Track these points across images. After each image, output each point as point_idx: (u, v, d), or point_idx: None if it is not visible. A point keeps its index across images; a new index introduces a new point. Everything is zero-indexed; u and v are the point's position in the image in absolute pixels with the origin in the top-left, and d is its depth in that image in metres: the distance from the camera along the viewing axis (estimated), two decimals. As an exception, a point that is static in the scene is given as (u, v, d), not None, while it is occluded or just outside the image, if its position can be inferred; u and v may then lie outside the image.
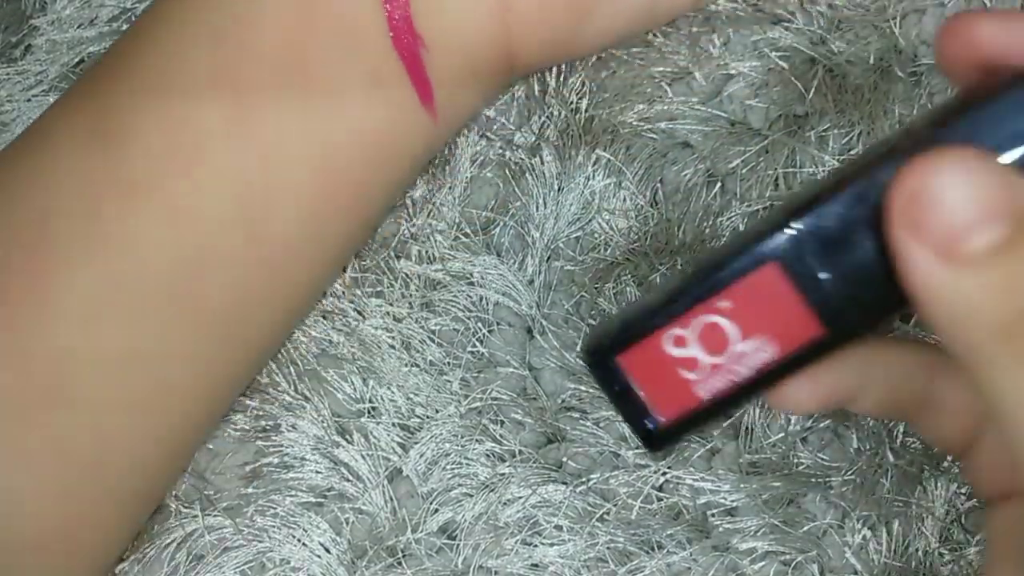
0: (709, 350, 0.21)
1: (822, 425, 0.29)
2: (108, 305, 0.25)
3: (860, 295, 0.20)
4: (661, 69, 0.31)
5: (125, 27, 0.32)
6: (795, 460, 0.29)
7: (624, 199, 0.30)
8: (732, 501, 0.29)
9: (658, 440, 0.22)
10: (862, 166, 0.19)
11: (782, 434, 0.29)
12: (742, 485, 0.29)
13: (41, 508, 0.25)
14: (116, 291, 0.25)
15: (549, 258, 0.30)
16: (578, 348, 0.21)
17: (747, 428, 0.30)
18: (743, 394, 0.21)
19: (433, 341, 0.30)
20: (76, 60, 0.32)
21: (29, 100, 0.32)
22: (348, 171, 0.26)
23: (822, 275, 0.20)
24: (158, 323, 0.25)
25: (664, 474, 0.29)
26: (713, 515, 0.29)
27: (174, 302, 0.25)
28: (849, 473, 0.29)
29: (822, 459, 0.29)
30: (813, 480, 0.29)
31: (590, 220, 0.31)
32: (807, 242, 0.19)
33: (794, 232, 0.19)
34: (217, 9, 0.25)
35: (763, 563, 0.28)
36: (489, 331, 0.30)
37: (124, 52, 0.26)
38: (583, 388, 0.30)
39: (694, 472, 0.29)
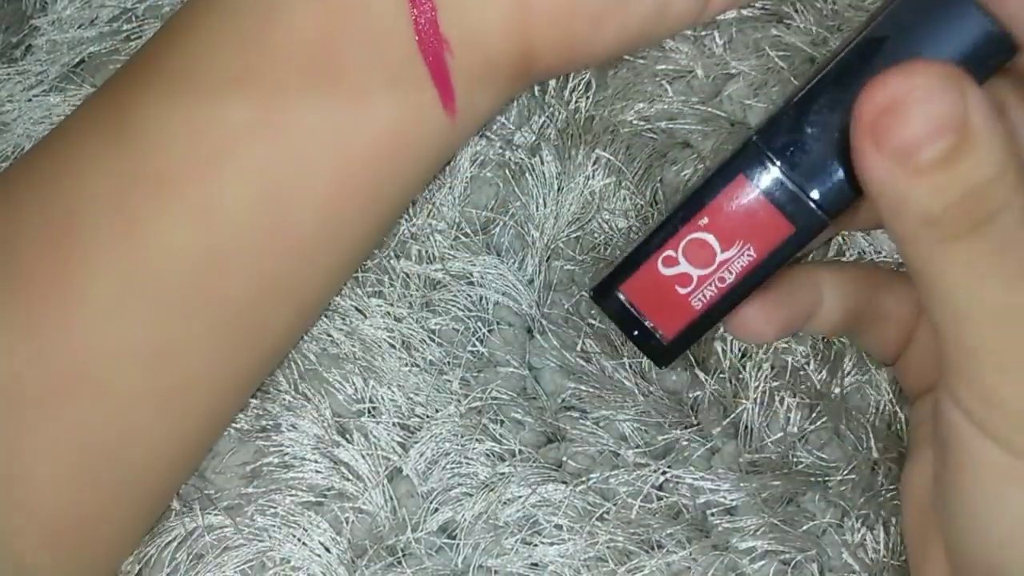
0: (697, 264, 0.23)
1: (820, 424, 0.29)
2: (133, 300, 0.25)
3: (819, 192, 0.22)
4: (663, 67, 0.31)
5: (126, 27, 0.32)
6: (794, 459, 0.29)
7: (624, 199, 0.30)
8: (732, 500, 0.29)
9: (666, 355, 0.24)
10: (814, 78, 0.22)
11: (781, 433, 0.29)
12: (742, 484, 0.29)
13: (60, 498, 0.26)
14: (141, 286, 0.25)
15: (549, 258, 0.30)
16: (586, 289, 0.24)
17: (746, 427, 0.30)
18: (732, 298, 0.24)
19: (433, 341, 0.30)
20: (77, 60, 0.32)
21: (30, 100, 0.32)
22: (368, 171, 0.26)
23: (783, 178, 0.22)
24: (182, 318, 0.26)
25: (664, 473, 0.29)
26: (712, 514, 0.29)
27: (198, 297, 0.26)
28: (847, 472, 0.29)
29: (821, 458, 0.29)
30: (812, 479, 0.29)
31: (590, 220, 0.31)
32: (767, 150, 0.22)
33: (756, 143, 0.22)
34: (243, 10, 0.25)
35: (763, 562, 0.28)
36: (489, 331, 0.30)
37: (151, 54, 0.27)
38: (583, 387, 0.30)
39: (694, 471, 0.29)
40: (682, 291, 0.24)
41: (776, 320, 0.25)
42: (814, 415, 0.30)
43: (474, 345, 0.30)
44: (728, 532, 0.29)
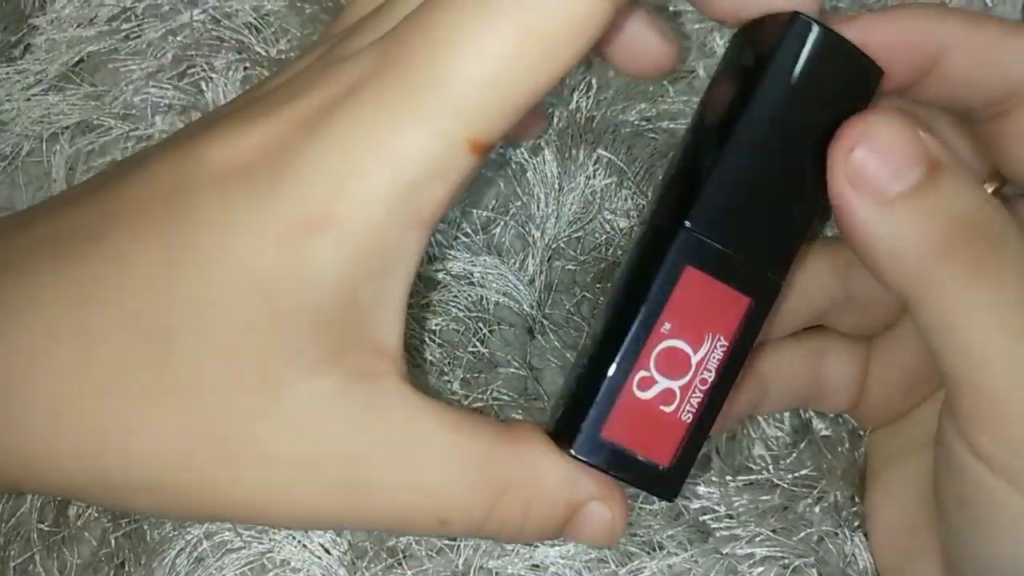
0: (675, 375, 0.21)
1: (810, 439, 0.29)
2: None
3: (765, 255, 0.21)
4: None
5: (125, 26, 0.32)
6: (788, 467, 0.29)
7: (625, 199, 0.30)
8: (729, 509, 0.29)
9: (672, 486, 0.22)
10: (721, 145, 0.21)
11: (775, 449, 0.29)
12: (737, 494, 0.29)
13: None
14: None
15: (550, 258, 0.30)
16: (571, 451, 0.21)
17: (737, 440, 0.30)
18: (718, 395, 0.22)
19: (434, 341, 0.30)
20: (76, 59, 0.32)
21: (28, 99, 0.32)
22: None
23: (730, 253, 0.21)
24: None
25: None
26: (711, 519, 0.29)
27: None
28: (840, 482, 0.29)
29: (811, 473, 0.29)
30: (806, 489, 0.29)
31: (591, 220, 0.31)
32: (703, 233, 0.21)
33: (690, 229, 0.21)
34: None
35: (763, 567, 0.28)
36: (490, 331, 0.30)
37: None
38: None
39: (692, 478, 0.29)
40: (667, 409, 0.21)
41: (726, 414, 0.24)
42: (797, 432, 0.30)
43: (475, 346, 0.30)
44: (728, 536, 0.28)
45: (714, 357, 0.21)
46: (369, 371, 0.21)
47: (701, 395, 0.21)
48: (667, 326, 0.21)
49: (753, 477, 0.29)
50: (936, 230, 0.20)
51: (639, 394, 0.21)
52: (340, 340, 0.20)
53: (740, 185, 0.21)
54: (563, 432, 0.22)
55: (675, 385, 0.21)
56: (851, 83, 0.21)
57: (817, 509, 0.29)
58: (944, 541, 0.24)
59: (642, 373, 0.21)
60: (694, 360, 0.21)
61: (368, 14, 0.23)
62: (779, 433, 0.30)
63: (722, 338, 0.21)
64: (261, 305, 0.19)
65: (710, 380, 0.21)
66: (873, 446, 0.29)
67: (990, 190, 0.25)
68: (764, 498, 0.29)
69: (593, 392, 0.21)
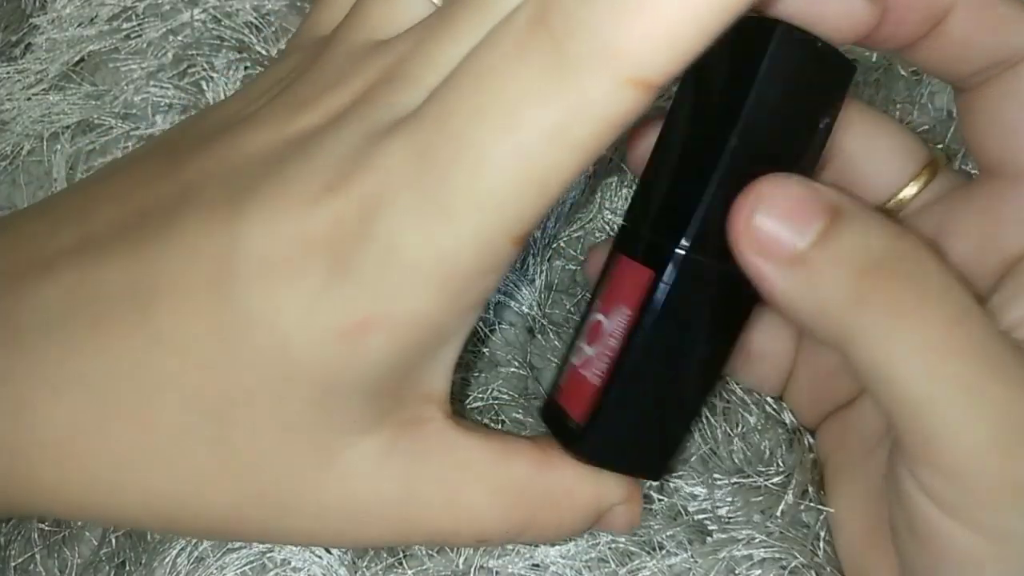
0: (593, 343, 0.23)
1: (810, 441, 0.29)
2: None
3: (669, 232, 0.22)
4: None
5: (125, 26, 0.32)
6: (785, 469, 0.29)
7: (626, 198, 0.30)
8: (728, 510, 0.29)
9: (585, 445, 0.24)
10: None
11: (773, 451, 0.29)
12: (737, 495, 0.29)
13: None
14: None
15: (551, 257, 0.30)
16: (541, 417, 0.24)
17: (734, 443, 0.30)
18: (625, 364, 0.22)
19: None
20: (76, 59, 0.32)
21: (29, 99, 0.32)
22: None
23: (639, 232, 0.23)
24: None
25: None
26: (711, 520, 0.29)
27: None
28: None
29: (810, 475, 0.29)
30: (804, 492, 0.29)
31: (591, 219, 0.30)
32: (627, 221, 0.24)
33: (625, 227, 0.24)
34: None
35: (761, 569, 0.28)
36: (490, 331, 0.30)
37: None
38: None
39: (691, 479, 0.29)
40: (586, 373, 0.23)
41: None
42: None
43: (475, 345, 0.30)
44: (727, 537, 0.28)
45: (618, 325, 0.23)
46: (417, 418, 0.22)
47: (608, 360, 0.23)
48: (597, 303, 0.24)
49: (751, 480, 0.29)
50: (849, 278, 0.20)
51: (575, 363, 0.24)
52: (391, 404, 0.22)
53: (659, 175, 0.23)
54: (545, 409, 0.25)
55: (591, 351, 0.23)
56: (830, 84, 0.21)
57: (816, 511, 0.29)
58: (900, 563, 0.24)
59: (579, 344, 0.24)
60: (604, 328, 0.23)
61: (374, 46, 0.22)
62: (776, 435, 0.30)
63: (626, 308, 0.22)
64: (316, 391, 0.20)
65: (614, 345, 0.23)
66: (822, 447, 0.28)
67: (915, 188, 0.25)
68: (763, 500, 0.29)
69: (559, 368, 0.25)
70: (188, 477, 0.21)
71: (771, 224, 0.20)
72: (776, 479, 0.29)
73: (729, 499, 0.29)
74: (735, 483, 0.29)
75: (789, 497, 0.28)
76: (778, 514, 0.29)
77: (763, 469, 0.29)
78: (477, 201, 0.19)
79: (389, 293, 0.19)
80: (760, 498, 0.29)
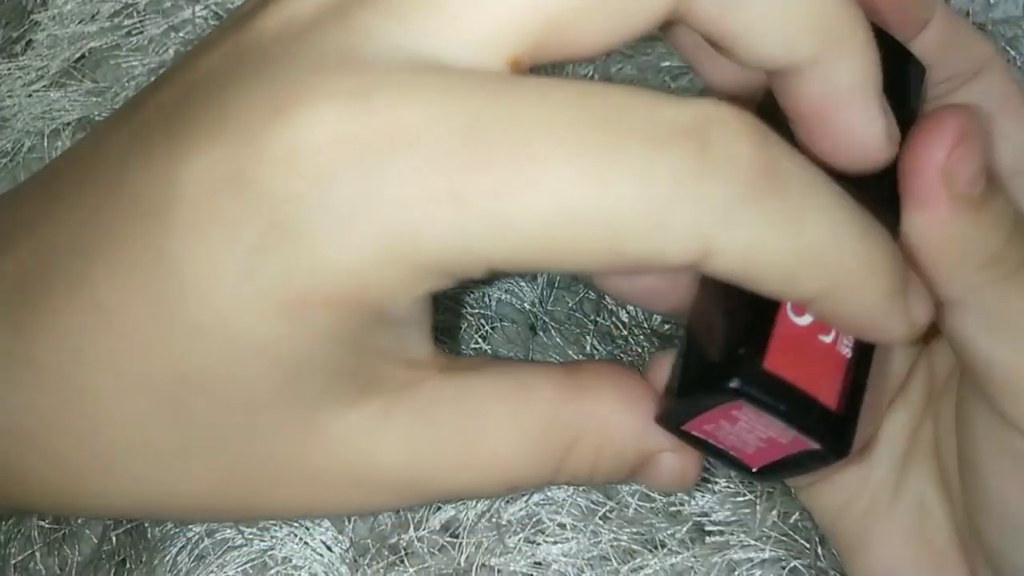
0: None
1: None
2: None
3: None
4: (668, 64, 0.30)
5: (127, 22, 0.32)
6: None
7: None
8: (729, 510, 0.29)
9: (842, 431, 0.19)
10: None
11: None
12: (737, 495, 0.29)
13: None
14: None
15: (552, 255, 0.30)
16: (712, 382, 0.18)
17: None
18: (864, 350, 0.19)
19: (436, 338, 0.30)
20: (77, 55, 0.32)
21: (30, 95, 0.32)
22: None
23: None
24: None
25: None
26: (712, 520, 0.29)
27: None
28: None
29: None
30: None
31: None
32: None
33: None
34: None
35: (762, 570, 0.28)
36: (492, 328, 0.30)
37: None
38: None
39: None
40: (825, 339, 0.18)
41: None
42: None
43: (477, 342, 0.30)
44: (728, 536, 0.28)
45: None
46: (409, 382, 0.20)
47: (850, 339, 0.19)
48: None
49: (750, 483, 0.29)
50: (999, 236, 0.20)
51: (794, 318, 0.19)
52: (369, 378, 0.19)
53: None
54: (703, 363, 0.19)
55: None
56: (913, 85, 0.21)
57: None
58: (999, 553, 0.23)
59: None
60: None
61: None
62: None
63: None
64: (269, 369, 0.18)
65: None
66: (823, 505, 0.26)
67: None
68: (763, 500, 0.29)
69: (741, 315, 0.18)
70: (151, 463, 0.20)
71: (964, 163, 0.20)
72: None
73: (730, 499, 0.29)
74: (735, 483, 0.29)
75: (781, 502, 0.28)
76: (778, 516, 0.29)
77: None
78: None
79: (332, 262, 0.17)
80: (761, 499, 0.29)
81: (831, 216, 0.17)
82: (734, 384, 0.18)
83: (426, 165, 0.16)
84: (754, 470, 0.21)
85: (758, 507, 0.29)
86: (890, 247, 0.18)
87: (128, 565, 0.29)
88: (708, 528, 0.29)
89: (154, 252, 0.18)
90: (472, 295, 0.30)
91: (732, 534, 0.28)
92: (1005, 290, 0.20)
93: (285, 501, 0.21)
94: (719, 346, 0.19)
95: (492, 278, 0.20)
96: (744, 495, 0.29)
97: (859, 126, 0.19)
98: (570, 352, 0.30)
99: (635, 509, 0.29)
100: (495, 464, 0.20)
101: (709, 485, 0.29)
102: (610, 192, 0.16)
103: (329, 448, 0.20)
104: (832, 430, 0.19)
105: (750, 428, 0.19)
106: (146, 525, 0.29)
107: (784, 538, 0.28)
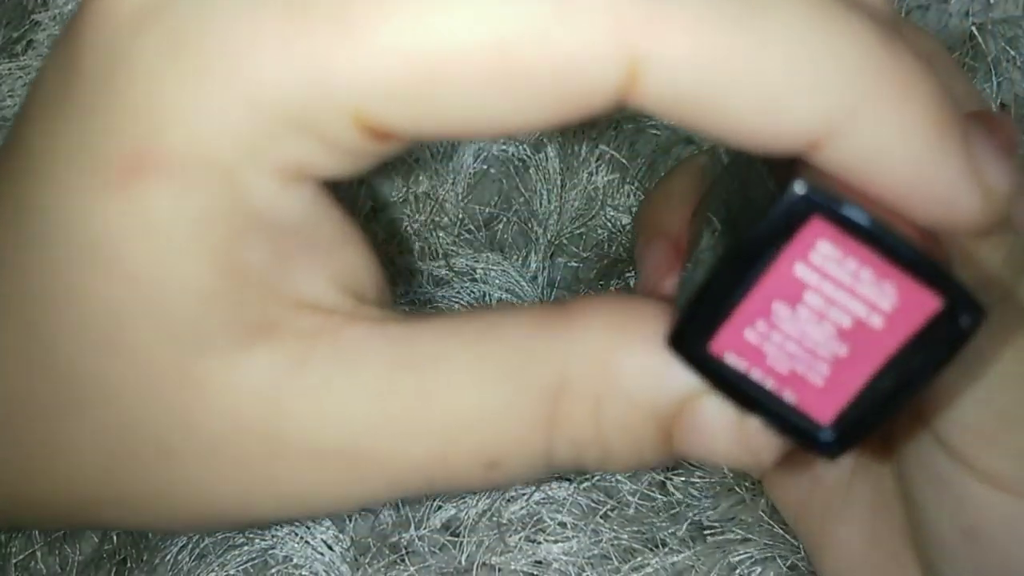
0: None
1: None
2: None
3: None
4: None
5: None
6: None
7: (628, 195, 0.30)
8: (729, 508, 0.29)
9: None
10: None
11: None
12: (736, 494, 0.29)
13: None
14: None
15: (553, 254, 0.30)
16: (761, 212, 0.13)
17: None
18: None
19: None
20: (78, 55, 0.32)
21: (31, 95, 0.32)
22: None
23: None
24: None
25: (666, 473, 0.29)
26: (712, 518, 0.29)
27: None
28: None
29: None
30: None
31: (594, 216, 0.30)
32: None
33: None
34: None
35: (763, 567, 0.28)
36: (492, 328, 0.30)
37: None
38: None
39: (697, 473, 0.29)
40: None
41: None
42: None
43: (477, 342, 0.30)
44: (729, 534, 0.28)
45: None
46: (322, 329, 0.16)
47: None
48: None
49: (749, 481, 0.29)
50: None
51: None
52: (263, 318, 0.15)
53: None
54: (734, 228, 0.15)
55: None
56: None
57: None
58: (939, 571, 0.22)
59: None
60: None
61: None
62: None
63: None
64: (116, 280, 0.15)
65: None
66: (785, 498, 0.26)
67: None
68: (763, 499, 0.29)
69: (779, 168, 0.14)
70: (38, 423, 0.17)
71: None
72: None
73: (733, 499, 0.29)
74: (739, 483, 0.29)
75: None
76: (779, 526, 0.29)
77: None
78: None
79: (160, 110, 0.14)
80: (762, 498, 0.29)
81: (819, 9, 0.13)
82: (801, 191, 0.13)
83: None
84: (828, 426, 0.15)
85: (759, 503, 0.29)
86: (926, 65, 0.14)
87: (129, 564, 0.29)
88: (713, 525, 0.29)
89: (9, 154, 0.16)
90: (472, 294, 0.30)
91: (731, 532, 0.28)
92: None
93: (194, 485, 0.16)
94: (755, 199, 0.14)
95: (398, 153, 0.15)
96: (738, 491, 0.29)
97: (942, 191, 0.14)
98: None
99: (636, 508, 0.29)
100: (456, 425, 0.15)
101: (706, 480, 0.29)
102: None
103: (224, 407, 0.16)
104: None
105: (822, 310, 0.14)
106: (147, 524, 0.29)
107: (784, 536, 0.28)
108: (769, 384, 0.15)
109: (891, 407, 0.14)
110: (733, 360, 0.14)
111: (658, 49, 0.13)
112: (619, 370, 0.15)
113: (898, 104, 0.13)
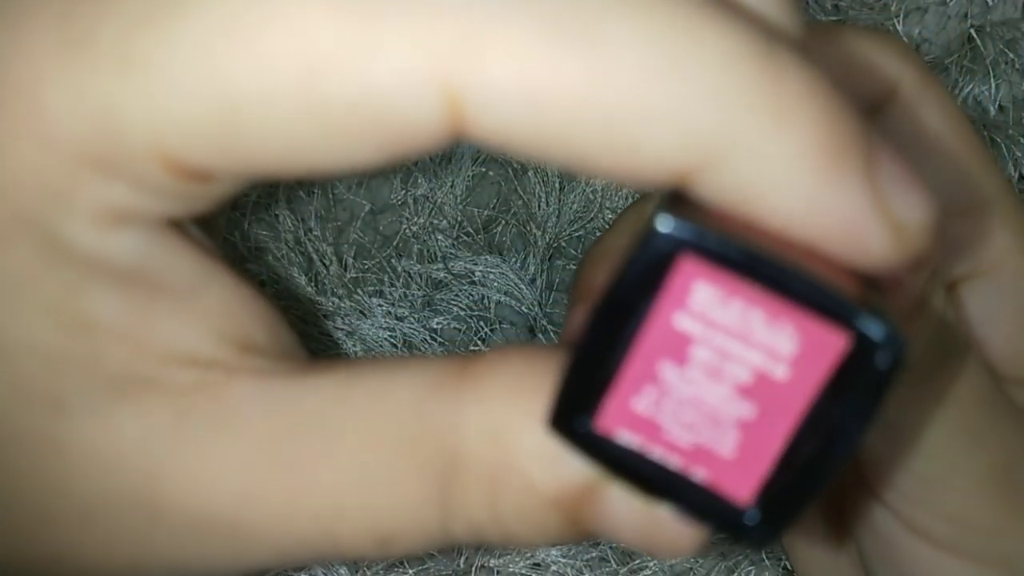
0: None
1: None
2: None
3: None
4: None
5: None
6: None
7: (626, 197, 0.30)
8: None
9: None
10: None
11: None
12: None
13: None
14: None
15: (551, 257, 0.30)
16: (625, 264, 0.12)
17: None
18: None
19: (435, 340, 0.30)
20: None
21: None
22: None
23: None
24: None
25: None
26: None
27: None
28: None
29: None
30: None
31: (592, 218, 0.30)
32: None
33: None
34: None
35: (761, 568, 0.28)
36: (491, 330, 0.30)
37: None
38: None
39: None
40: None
41: None
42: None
43: (476, 345, 0.30)
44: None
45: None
46: (200, 384, 0.14)
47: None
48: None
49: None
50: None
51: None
52: (122, 371, 0.14)
53: None
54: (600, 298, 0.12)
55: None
56: None
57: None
58: None
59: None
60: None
61: None
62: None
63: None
64: None
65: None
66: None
67: None
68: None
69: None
70: None
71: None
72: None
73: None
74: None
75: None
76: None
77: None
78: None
79: None
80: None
81: (680, 18, 0.11)
82: (662, 229, 0.12)
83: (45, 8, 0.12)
84: (749, 507, 0.13)
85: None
86: (816, 76, 0.12)
87: None
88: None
89: None
90: (470, 297, 0.30)
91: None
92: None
93: (78, 553, 0.15)
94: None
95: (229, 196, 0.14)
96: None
97: (838, 225, 0.12)
98: (569, 354, 0.30)
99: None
100: (340, 500, 0.14)
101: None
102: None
103: (91, 471, 0.14)
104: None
105: (715, 365, 0.12)
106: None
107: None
108: (673, 463, 0.12)
109: (821, 474, 0.12)
110: (626, 438, 0.12)
111: (478, 77, 0.11)
112: (516, 448, 0.14)
113: (778, 129, 0.11)
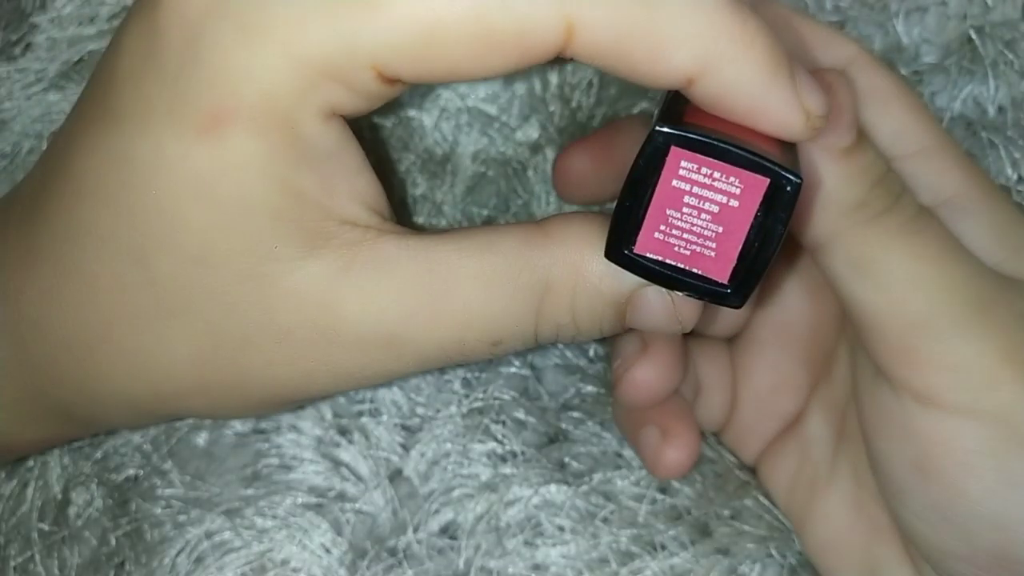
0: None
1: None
2: None
3: None
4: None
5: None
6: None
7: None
8: (729, 510, 0.29)
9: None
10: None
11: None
12: (736, 495, 0.29)
13: None
14: None
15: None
16: (638, 155, 0.19)
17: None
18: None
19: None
20: (76, 58, 0.32)
21: (29, 98, 0.32)
22: None
23: None
24: None
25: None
26: (712, 519, 0.29)
27: None
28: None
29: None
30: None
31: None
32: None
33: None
34: None
35: (762, 567, 0.28)
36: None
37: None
38: (585, 388, 0.30)
39: (692, 479, 0.29)
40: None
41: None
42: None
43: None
44: (730, 536, 0.28)
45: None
46: (361, 240, 0.21)
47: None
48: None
49: (750, 478, 0.29)
50: (863, 183, 0.22)
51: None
52: (315, 231, 0.20)
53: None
54: (627, 172, 0.20)
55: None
56: None
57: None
58: (902, 520, 0.24)
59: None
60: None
61: None
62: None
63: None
64: (208, 207, 0.20)
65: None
66: (773, 474, 0.29)
67: None
68: (763, 499, 0.29)
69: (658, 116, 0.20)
70: (136, 329, 0.21)
71: (836, 118, 0.22)
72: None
73: (733, 499, 0.29)
74: (739, 483, 0.29)
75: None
76: (780, 515, 0.29)
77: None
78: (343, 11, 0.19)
79: (233, 70, 0.19)
80: (763, 498, 0.29)
81: None
82: (661, 130, 0.19)
83: None
84: (727, 284, 0.20)
85: (758, 503, 0.29)
86: (765, 26, 0.19)
87: (127, 567, 0.29)
88: (712, 526, 0.29)
89: (103, 110, 0.21)
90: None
91: (734, 528, 0.28)
92: (865, 234, 0.22)
93: (267, 369, 0.21)
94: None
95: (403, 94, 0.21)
96: (744, 492, 0.29)
97: (776, 111, 0.19)
98: (570, 355, 0.30)
99: (634, 511, 0.29)
100: (469, 316, 0.21)
101: (710, 481, 0.29)
102: None
103: (290, 304, 0.21)
104: (779, 163, 0.19)
105: (698, 206, 0.20)
106: (145, 527, 0.29)
107: (783, 537, 0.28)
108: (681, 265, 0.20)
109: (763, 260, 0.20)
110: (652, 256, 0.20)
111: (586, 14, 0.18)
112: (588, 271, 0.21)
113: (745, 50, 0.19)
